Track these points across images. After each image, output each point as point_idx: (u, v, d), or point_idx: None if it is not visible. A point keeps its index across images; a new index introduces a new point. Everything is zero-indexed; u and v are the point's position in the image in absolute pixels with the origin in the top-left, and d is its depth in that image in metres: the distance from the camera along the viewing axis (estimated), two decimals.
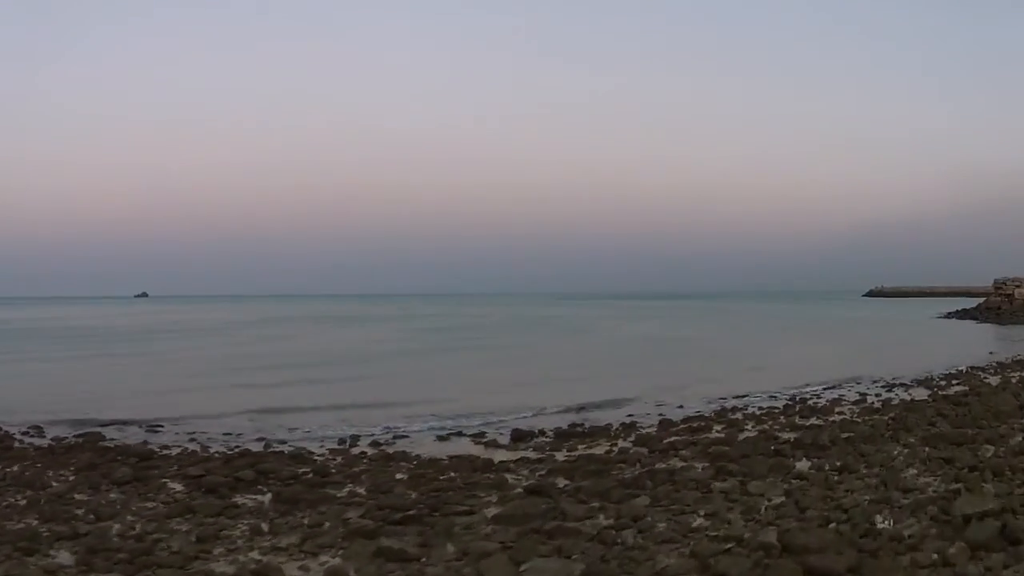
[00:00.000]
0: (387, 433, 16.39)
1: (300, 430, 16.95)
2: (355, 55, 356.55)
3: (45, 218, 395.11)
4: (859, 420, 16.64)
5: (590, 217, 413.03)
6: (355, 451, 14.32)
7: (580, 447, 14.71)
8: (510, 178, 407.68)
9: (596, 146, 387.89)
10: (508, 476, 11.83)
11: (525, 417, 18.55)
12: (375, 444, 15.06)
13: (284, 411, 19.49)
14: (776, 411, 18.81)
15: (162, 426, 17.42)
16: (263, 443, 15.27)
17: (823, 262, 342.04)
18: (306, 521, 9.28)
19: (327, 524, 9.13)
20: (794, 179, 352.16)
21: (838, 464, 11.77)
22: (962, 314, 73.40)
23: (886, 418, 16.51)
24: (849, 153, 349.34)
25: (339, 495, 10.69)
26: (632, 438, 15.53)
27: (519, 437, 15.67)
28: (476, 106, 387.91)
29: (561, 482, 11.40)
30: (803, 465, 12.01)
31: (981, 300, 78.40)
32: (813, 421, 17.14)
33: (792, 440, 14.14)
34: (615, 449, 14.35)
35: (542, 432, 16.23)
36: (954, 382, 23.45)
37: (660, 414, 18.95)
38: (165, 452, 14.21)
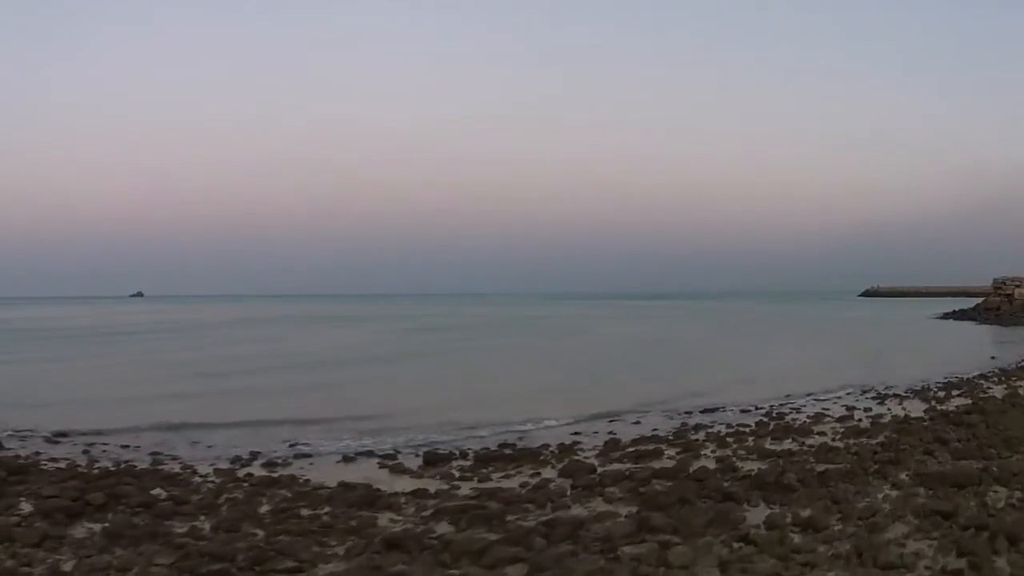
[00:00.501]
0: (292, 451, 14.35)
1: (203, 445, 15.23)
2: (353, 55, 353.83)
3: (42, 218, 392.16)
4: (841, 445, 13.66)
5: (591, 217, 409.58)
6: (242, 473, 12.41)
7: (496, 476, 12.09)
8: (511, 178, 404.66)
9: (595, 145, 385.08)
10: (384, 516, 9.61)
11: (453, 438, 15.80)
12: (270, 464, 13.15)
13: (200, 425, 17.26)
14: (745, 431, 15.84)
15: (67, 436, 15.93)
16: (152, 459, 13.60)
17: (821, 262, 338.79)
18: (115, 563, 7.80)
19: (134, 570, 7.60)
20: (792, 179, 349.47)
21: (804, 516, 8.83)
22: (960, 315, 70.33)
23: (873, 443, 13.53)
24: (847, 153, 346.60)
25: (178, 530, 8.96)
26: (564, 464, 12.78)
27: (432, 460, 13.21)
28: (476, 106, 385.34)
29: (442, 529, 8.90)
30: (757, 517, 9.04)
31: (979, 300, 75.37)
32: (787, 445, 14.16)
33: (753, 475, 11.17)
34: (535, 480, 11.69)
35: (463, 454, 13.78)
36: (954, 393, 20.42)
37: (610, 432, 16.11)
38: (47, 466, 12.79)
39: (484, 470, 12.50)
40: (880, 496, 9.77)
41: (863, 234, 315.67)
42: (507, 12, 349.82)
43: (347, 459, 13.61)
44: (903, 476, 10.80)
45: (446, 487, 11.30)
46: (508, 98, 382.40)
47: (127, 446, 14.94)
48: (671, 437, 15.41)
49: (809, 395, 21.18)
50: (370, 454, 13.95)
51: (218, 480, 11.77)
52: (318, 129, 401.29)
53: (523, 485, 11.29)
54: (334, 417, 18.34)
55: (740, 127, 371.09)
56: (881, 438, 14.04)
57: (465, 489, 11.12)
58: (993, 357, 31.08)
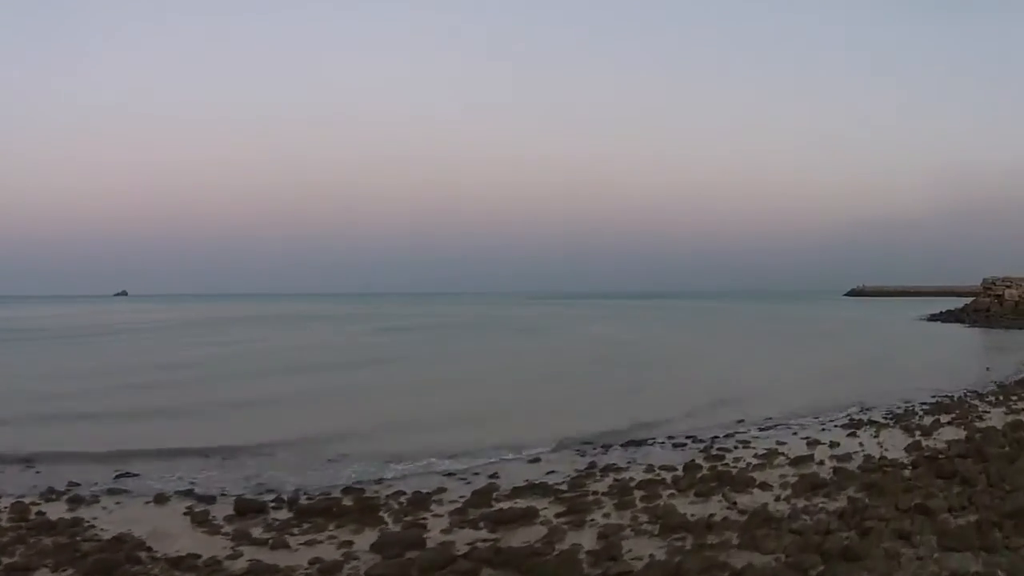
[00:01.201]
0: (112, 485, 12.07)
1: (34, 472, 13.13)
2: (346, 53, 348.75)
3: (26, 216, 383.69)
4: (784, 510, 9.57)
5: (591, 216, 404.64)
6: (36, 511, 10.47)
7: (297, 541, 9.08)
8: (512, 178, 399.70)
9: (594, 144, 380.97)
10: None
11: (299, 479, 12.46)
12: (75, 501, 11.15)
13: (48, 454, 14.33)
14: (665, 479, 11.71)
15: None
16: None
17: (808, 261, 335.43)
18: None
19: None
20: (780, 179, 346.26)
21: None
22: (947, 316, 65.96)
23: (830, 511, 9.38)
24: (836, 153, 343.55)
25: None
26: (396, 528, 9.44)
27: (242, 510, 10.40)
28: (475, 105, 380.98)
29: None
30: None
31: (966, 300, 71.36)
32: (711, 506, 10.08)
33: (633, 572, 7.11)
34: (337, 554, 8.57)
35: (291, 502, 10.78)
36: (943, 420, 16.20)
37: (493, 476, 12.36)
38: None
39: (295, 529, 9.55)
40: None
41: (850, 233, 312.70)
42: (507, 13, 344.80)
43: (159, 500, 11.20)
44: None
45: (227, 553, 8.67)
46: (506, 97, 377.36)
47: None
48: (564, 487, 11.40)
49: (767, 420, 17.04)
50: (188, 494, 11.43)
51: (1, 519, 10.04)
52: (313, 128, 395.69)
53: (314, 562, 8.24)
54: (194, 447, 14.98)
55: (732, 127, 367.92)
56: (843, 499, 9.91)
57: (242, 561, 8.40)
58: (988, 369, 26.75)
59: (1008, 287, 64.17)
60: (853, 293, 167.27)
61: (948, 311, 68.42)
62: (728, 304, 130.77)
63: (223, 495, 11.32)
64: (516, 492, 11.15)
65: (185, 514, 10.42)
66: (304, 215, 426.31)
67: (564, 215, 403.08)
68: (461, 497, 10.89)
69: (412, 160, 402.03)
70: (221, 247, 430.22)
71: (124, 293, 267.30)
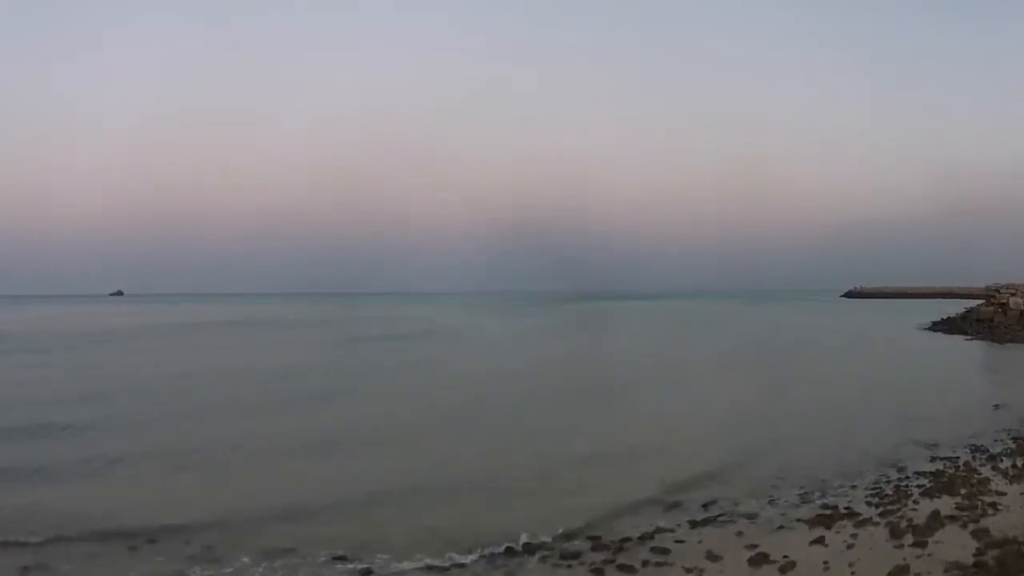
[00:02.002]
0: None
1: None
2: (343, 53, 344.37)
3: (27, 216, 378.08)
4: None
5: (580, 215, 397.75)
6: None
7: None
8: (509, 177, 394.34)
9: (593, 143, 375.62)
10: None
11: None
12: None
13: None
14: None
15: None
16: None
17: (807, 261, 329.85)
18: None
19: None
20: (779, 178, 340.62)
21: None
22: (948, 326, 60.85)
23: None
24: (836, 153, 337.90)
25: None
26: None
27: None
28: (470, 103, 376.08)
29: None
30: None
31: (965, 302, 66.33)
32: None
33: None
34: None
35: None
36: (944, 510, 11.46)
37: None
38: None
39: None
40: None
41: (848, 233, 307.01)
42: (505, 10, 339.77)
43: None
44: None
45: None
46: (500, 94, 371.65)
47: None
48: None
49: (709, 505, 12.52)
50: None
51: None
52: (311, 127, 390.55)
53: None
54: (23, 528, 11.53)
55: (732, 126, 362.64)
56: None
57: None
58: (997, 406, 21.97)
59: (1013, 295, 59.08)
60: (851, 294, 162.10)
61: (949, 319, 63.42)
62: (723, 305, 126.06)
63: None
64: None
65: None
66: (302, 215, 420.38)
67: (562, 214, 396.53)
68: None
69: (410, 160, 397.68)
70: (219, 247, 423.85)
71: (120, 293, 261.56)
